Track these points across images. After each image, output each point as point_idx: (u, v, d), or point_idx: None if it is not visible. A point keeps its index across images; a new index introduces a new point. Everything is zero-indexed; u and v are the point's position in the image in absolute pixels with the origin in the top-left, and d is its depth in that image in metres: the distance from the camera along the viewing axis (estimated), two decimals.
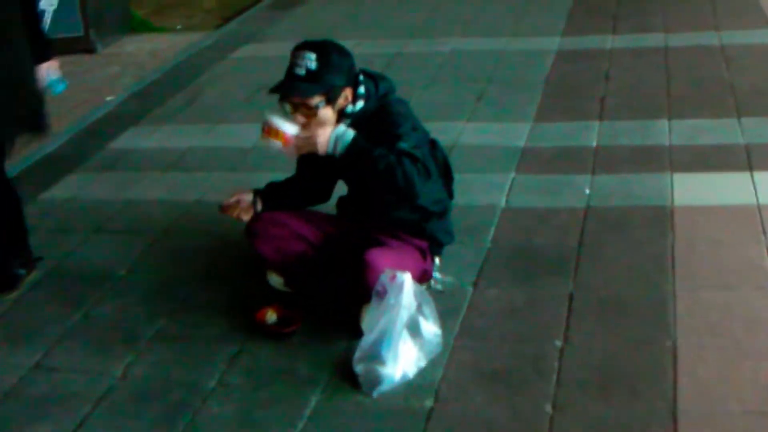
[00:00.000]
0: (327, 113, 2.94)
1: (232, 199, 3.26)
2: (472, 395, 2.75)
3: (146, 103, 5.65)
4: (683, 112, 4.68)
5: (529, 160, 4.33)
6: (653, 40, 5.97)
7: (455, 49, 6.20)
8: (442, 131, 3.61)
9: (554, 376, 2.79)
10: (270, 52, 6.44)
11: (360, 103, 2.99)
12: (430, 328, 2.89)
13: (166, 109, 5.52)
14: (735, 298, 3.09)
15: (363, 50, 6.25)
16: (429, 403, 2.74)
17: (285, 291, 3.33)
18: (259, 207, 3.26)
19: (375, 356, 2.81)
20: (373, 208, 3.17)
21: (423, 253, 3.18)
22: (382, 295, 2.84)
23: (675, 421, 2.55)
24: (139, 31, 7.57)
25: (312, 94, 2.90)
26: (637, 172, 4.07)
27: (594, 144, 4.42)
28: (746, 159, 4.06)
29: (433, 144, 3.21)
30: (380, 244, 3.09)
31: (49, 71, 3.46)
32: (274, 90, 2.94)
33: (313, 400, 2.79)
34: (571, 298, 3.18)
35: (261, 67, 6.09)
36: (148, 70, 6.39)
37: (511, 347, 2.96)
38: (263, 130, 2.97)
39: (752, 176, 3.89)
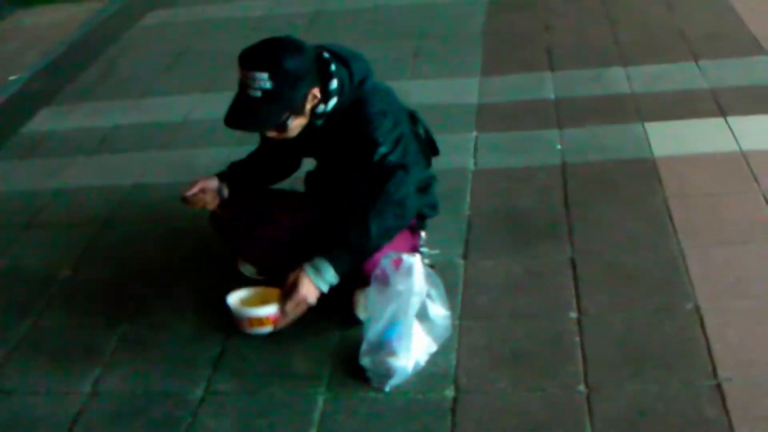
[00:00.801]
0: (297, 123, 2.57)
1: (195, 189, 2.88)
2: (495, 381, 2.51)
3: (55, 80, 5.16)
4: (637, 58, 4.50)
5: (487, 116, 4.10)
6: None
7: (380, 5, 5.89)
8: None
9: (578, 353, 2.58)
10: (181, 17, 6.02)
11: (332, 101, 2.58)
12: (439, 310, 2.63)
13: (78, 86, 5.05)
14: (746, 253, 2.92)
15: (281, 11, 5.95)
16: (450, 393, 2.49)
17: (258, 280, 3.00)
18: (226, 193, 2.90)
19: (384, 347, 2.53)
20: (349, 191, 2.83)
21: (411, 230, 2.90)
22: (382, 280, 2.56)
23: (721, 392, 2.36)
24: (33, 3, 6.95)
25: (276, 122, 2.52)
26: (605, 124, 3.89)
27: (552, 96, 4.21)
28: (715, 104, 3.91)
29: (414, 119, 2.90)
30: None
31: None
32: (231, 123, 2.53)
33: (320, 401, 2.50)
34: (573, 265, 2.97)
35: (174, 34, 5.72)
36: (52, 45, 5.84)
37: (524, 324, 2.73)
38: (241, 323, 2.68)
39: (726, 121, 3.75)
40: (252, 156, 3.02)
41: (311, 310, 2.62)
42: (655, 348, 2.56)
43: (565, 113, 4.02)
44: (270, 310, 2.60)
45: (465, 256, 3.07)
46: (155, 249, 3.36)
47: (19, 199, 3.84)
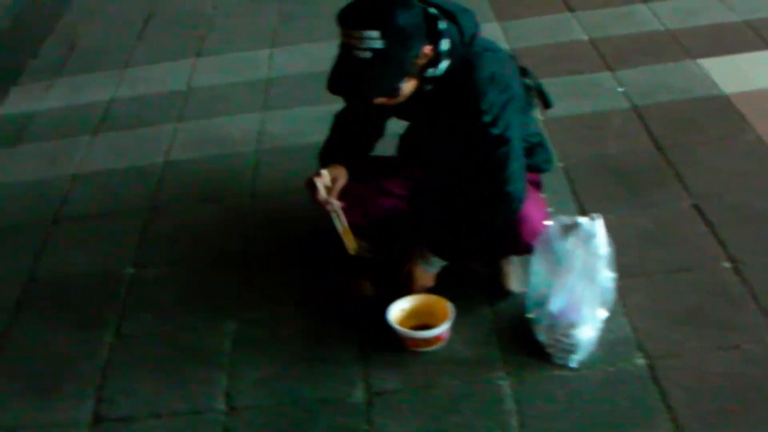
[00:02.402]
0: (408, 87, 2.25)
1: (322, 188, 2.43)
2: (684, 343, 2.33)
3: (13, 57, 4.57)
4: None
5: (527, 62, 3.84)
6: None
7: None
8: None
9: (752, 304, 2.42)
10: None
11: (444, 64, 2.26)
12: (606, 273, 2.39)
13: (44, 61, 4.51)
14: None
15: None
16: (641, 361, 2.30)
17: (369, 258, 2.69)
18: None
19: (563, 319, 2.30)
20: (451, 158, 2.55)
21: (538, 187, 2.66)
22: (550, 247, 2.31)
23: None
24: None
25: (391, 85, 2.20)
26: (657, 63, 3.72)
27: (585, 37, 4.01)
28: (758, 36, 3.80)
29: (524, 72, 2.62)
30: None
31: None
32: (339, 89, 2.23)
33: (506, 388, 2.26)
34: (700, 211, 2.80)
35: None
36: None
37: (683, 279, 2.55)
38: (407, 342, 2.40)
39: None
40: (337, 133, 2.65)
41: (444, 286, 2.46)
42: None
43: (610, 54, 3.83)
44: (440, 330, 2.36)
45: (582, 211, 2.84)
46: (220, 234, 2.99)
47: (30, 191, 3.37)
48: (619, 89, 3.55)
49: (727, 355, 2.28)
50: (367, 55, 2.12)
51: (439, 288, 2.48)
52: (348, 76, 2.18)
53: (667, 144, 3.17)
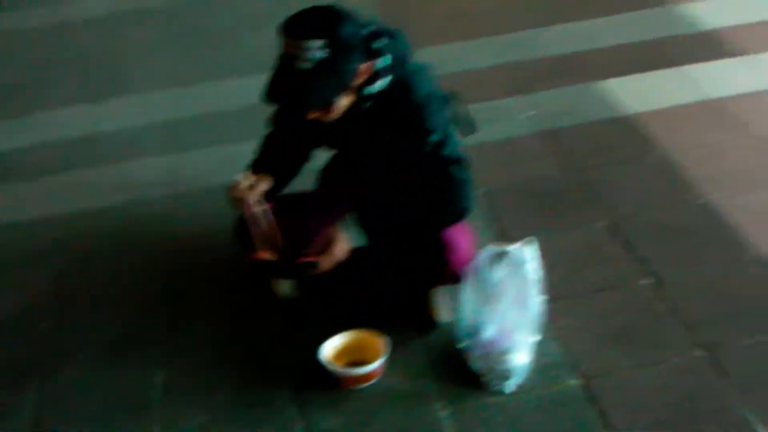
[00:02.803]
0: (343, 103, 2.28)
1: (243, 188, 2.41)
2: (615, 362, 2.40)
3: None
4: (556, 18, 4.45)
5: None
6: None
7: None
8: None
9: (676, 318, 2.52)
10: (31, 21, 5.28)
11: (382, 80, 2.28)
12: (537, 297, 2.43)
13: None
14: None
15: (125, 7, 5.38)
16: (575, 382, 2.34)
17: (294, 297, 2.69)
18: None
19: (497, 346, 2.32)
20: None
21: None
22: (479, 274, 2.34)
23: None
24: None
25: (330, 96, 2.22)
26: (563, 86, 3.80)
27: (490, 64, 4.07)
28: (656, 56, 3.94)
29: (452, 95, 2.66)
30: None
31: None
32: (276, 98, 2.22)
33: (447, 419, 2.27)
34: (617, 230, 2.88)
35: (23, 41, 5.02)
36: None
37: (607, 299, 2.62)
38: (343, 382, 2.39)
39: (682, 71, 3.80)
40: (265, 150, 2.62)
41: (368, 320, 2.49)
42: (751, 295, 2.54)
43: (515, 80, 3.90)
44: (376, 365, 2.36)
45: (505, 237, 2.88)
46: (142, 281, 2.92)
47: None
48: (529, 113, 3.62)
49: (656, 369, 2.35)
50: (308, 65, 2.13)
51: (369, 323, 2.48)
52: (287, 86, 2.18)
53: (580, 166, 3.25)
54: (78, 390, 2.49)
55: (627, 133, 3.41)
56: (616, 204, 3.01)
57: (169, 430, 2.32)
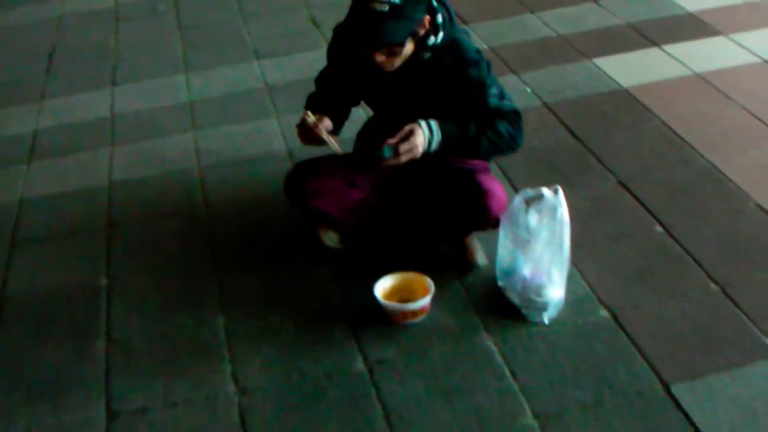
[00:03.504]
0: (408, 49, 2.55)
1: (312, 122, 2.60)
2: (640, 298, 2.64)
3: None
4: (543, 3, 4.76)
5: None
6: None
7: None
8: None
9: (689, 260, 2.77)
10: (37, 15, 5.42)
11: (441, 34, 2.58)
12: (567, 238, 2.66)
13: None
14: None
15: None
16: (605, 313, 2.59)
17: (339, 248, 2.90)
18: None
19: (535, 281, 2.56)
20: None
21: (489, 171, 2.94)
22: (516, 218, 2.58)
23: None
24: None
25: (405, 35, 2.49)
26: (557, 65, 4.09)
27: (485, 46, 4.33)
28: (641, 36, 4.25)
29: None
30: (463, 170, 2.77)
31: None
32: (356, 37, 2.50)
33: (491, 346, 2.50)
34: (626, 187, 3.14)
35: (29, 33, 5.15)
36: None
37: (624, 245, 2.88)
38: (395, 317, 2.60)
39: (663, 50, 4.10)
40: (320, 90, 2.89)
41: (413, 266, 2.70)
42: (755, 238, 2.82)
43: (511, 60, 4.16)
44: (426, 301, 2.58)
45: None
46: (185, 242, 3.10)
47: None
48: (527, 89, 3.88)
49: (677, 302, 2.60)
50: (386, 8, 2.41)
51: (410, 268, 2.71)
52: (365, 22, 2.45)
53: (583, 134, 3.51)
54: (144, 339, 2.66)
55: (623, 104, 3.69)
56: (621, 166, 3.27)
57: (240, 366, 2.50)
